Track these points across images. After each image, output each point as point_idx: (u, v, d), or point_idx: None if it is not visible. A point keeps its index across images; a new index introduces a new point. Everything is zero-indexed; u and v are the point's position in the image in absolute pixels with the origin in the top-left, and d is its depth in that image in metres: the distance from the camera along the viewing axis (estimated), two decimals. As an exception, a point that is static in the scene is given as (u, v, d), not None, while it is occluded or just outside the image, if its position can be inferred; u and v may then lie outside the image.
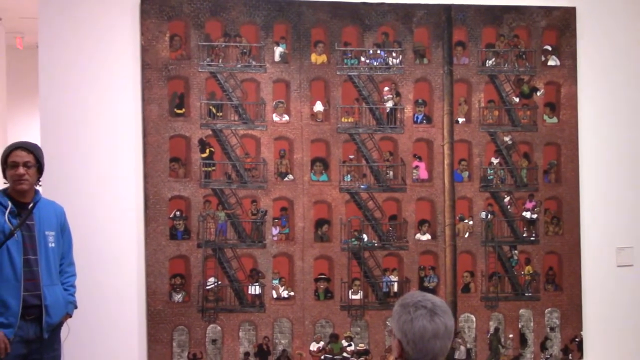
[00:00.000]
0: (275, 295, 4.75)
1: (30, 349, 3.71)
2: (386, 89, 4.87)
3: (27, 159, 3.73)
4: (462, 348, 4.89)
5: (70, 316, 3.95)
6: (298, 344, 4.76)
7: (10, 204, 3.70)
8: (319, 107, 4.81)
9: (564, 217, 5.01)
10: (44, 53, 4.56)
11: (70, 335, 4.05)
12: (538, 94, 5.02)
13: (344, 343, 4.79)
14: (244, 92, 4.74)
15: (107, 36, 4.59)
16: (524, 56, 5.00)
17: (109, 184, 4.56)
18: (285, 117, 4.78)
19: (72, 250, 4.04)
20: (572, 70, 5.03)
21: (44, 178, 3.97)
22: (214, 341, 4.69)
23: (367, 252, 4.83)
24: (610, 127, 5.11)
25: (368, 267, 4.83)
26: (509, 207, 4.98)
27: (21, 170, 3.69)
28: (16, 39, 11.88)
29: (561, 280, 5.01)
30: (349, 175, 4.83)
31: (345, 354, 4.78)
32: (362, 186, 4.84)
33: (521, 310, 4.97)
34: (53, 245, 3.83)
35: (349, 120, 4.84)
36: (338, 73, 4.82)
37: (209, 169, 4.70)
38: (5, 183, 3.80)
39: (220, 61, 4.71)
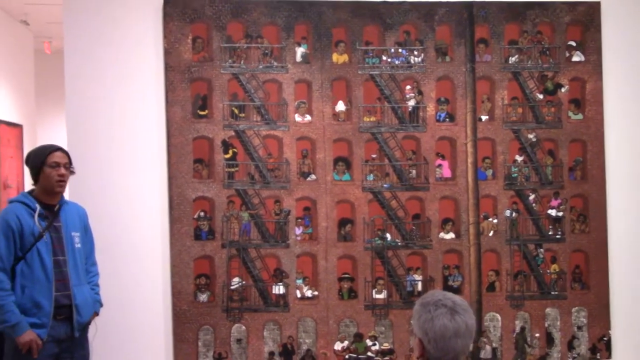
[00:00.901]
0: (299, 295, 4.77)
1: (62, 348, 3.77)
2: (408, 87, 4.86)
3: (66, 161, 3.80)
4: (488, 347, 4.85)
5: (98, 314, 4.01)
6: (322, 344, 4.77)
7: (38, 206, 3.76)
8: (340, 106, 4.81)
9: (590, 214, 4.94)
10: (70, 57, 4.64)
11: (98, 334, 4.10)
12: (563, 90, 4.96)
13: (369, 342, 4.79)
14: (266, 93, 4.77)
15: (131, 39, 4.65)
16: (547, 52, 4.94)
17: (134, 185, 4.63)
18: (308, 117, 4.79)
19: (94, 251, 4.09)
20: (597, 66, 4.96)
21: (70, 179, 4.02)
22: (238, 341, 4.73)
23: (390, 251, 4.82)
24: (637, 123, 5.02)
25: (392, 266, 4.82)
26: (534, 205, 4.92)
27: (63, 170, 3.76)
28: (44, 44, 12.08)
29: (588, 279, 4.95)
30: (371, 175, 4.83)
31: (369, 354, 4.78)
32: (385, 185, 4.83)
33: (547, 309, 4.91)
34: (79, 245, 3.88)
35: (371, 120, 4.84)
36: (359, 72, 4.82)
37: (232, 169, 4.73)
38: (32, 185, 3.85)
39: (242, 62, 4.74)
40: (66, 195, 3.99)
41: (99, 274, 4.09)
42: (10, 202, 3.82)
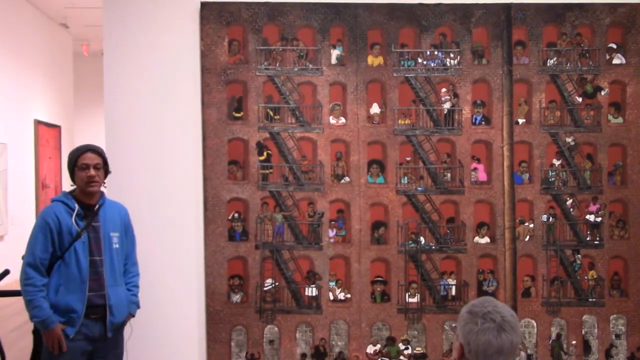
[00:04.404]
0: (331, 297, 4.77)
1: (95, 347, 3.82)
2: (444, 90, 4.82)
3: (97, 161, 3.82)
4: (523, 354, 4.78)
5: (133, 316, 4.04)
6: (355, 347, 4.76)
7: (77, 206, 3.81)
8: (375, 109, 4.80)
9: (630, 220, 4.84)
10: (109, 59, 4.71)
11: (133, 333, 4.15)
12: (602, 93, 4.86)
13: (401, 346, 4.76)
14: (301, 95, 4.78)
15: (168, 42, 4.71)
16: (587, 55, 4.86)
17: (170, 186, 4.68)
18: (342, 120, 4.79)
19: (135, 251, 4.13)
20: (638, 69, 4.85)
21: (107, 180, 4.07)
22: (271, 342, 4.74)
23: (424, 254, 4.79)
24: (680, 127, 4.90)
25: (425, 270, 4.79)
26: (571, 209, 4.84)
27: (92, 172, 3.79)
28: (82, 46, 12.32)
29: (627, 286, 4.84)
30: (405, 178, 4.80)
31: (402, 357, 4.75)
32: (419, 188, 4.80)
33: (585, 316, 4.82)
34: (117, 246, 3.92)
35: (406, 122, 4.81)
36: (395, 75, 4.80)
37: (267, 171, 4.75)
38: (71, 185, 3.92)
39: (277, 65, 4.76)
40: (102, 195, 4.03)
41: (139, 274, 4.11)
42: (52, 201, 3.89)
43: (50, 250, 3.71)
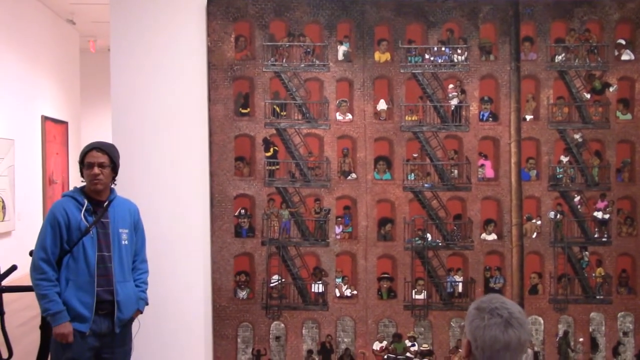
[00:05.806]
0: (338, 294, 4.77)
1: (103, 343, 3.82)
2: (451, 86, 4.80)
3: (102, 160, 3.84)
4: (530, 351, 4.77)
5: (141, 312, 4.05)
6: (361, 343, 4.75)
7: (86, 201, 3.83)
8: (382, 105, 4.78)
9: (638, 217, 4.81)
10: (116, 55, 4.71)
11: (140, 329, 4.15)
12: (611, 89, 4.83)
13: (407, 343, 4.75)
14: (308, 91, 4.77)
15: (175, 38, 4.70)
16: (595, 51, 4.83)
17: (176, 182, 4.67)
18: (349, 116, 4.77)
19: (145, 248, 4.14)
20: (647, 65, 4.83)
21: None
22: (277, 338, 4.74)
23: (431, 251, 4.78)
24: (689, 124, 4.87)
25: (432, 266, 4.78)
26: (579, 206, 4.82)
27: (96, 170, 3.81)
28: (89, 43, 12.34)
29: (635, 283, 4.82)
30: (412, 174, 4.79)
31: (408, 354, 4.75)
32: (426, 185, 4.79)
33: (592, 314, 4.80)
34: (126, 242, 3.93)
35: (413, 119, 4.80)
36: (402, 71, 4.78)
37: (273, 167, 4.75)
38: (82, 181, 3.94)
39: (284, 61, 4.75)
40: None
41: (148, 271, 4.12)
42: (63, 196, 3.92)
43: (59, 245, 3.73)
